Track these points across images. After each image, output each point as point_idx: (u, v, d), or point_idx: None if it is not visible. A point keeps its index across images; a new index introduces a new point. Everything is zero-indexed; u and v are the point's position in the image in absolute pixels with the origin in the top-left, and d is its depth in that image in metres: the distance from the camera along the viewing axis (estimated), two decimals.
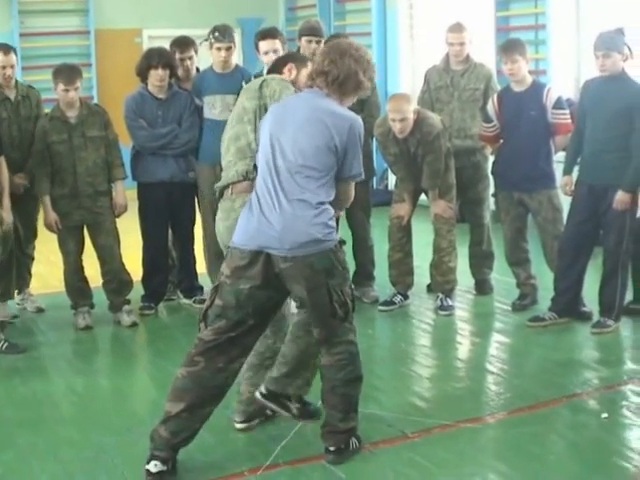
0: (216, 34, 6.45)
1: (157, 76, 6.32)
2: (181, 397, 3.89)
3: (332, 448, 4.03)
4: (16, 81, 6.34)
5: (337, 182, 3.93)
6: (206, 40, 6.56)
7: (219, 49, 6.46)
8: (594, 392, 4.87)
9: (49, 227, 6.14)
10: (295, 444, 4.20)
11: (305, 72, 4.39)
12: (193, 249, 6.79)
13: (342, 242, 3.96)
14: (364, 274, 6.73)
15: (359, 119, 3.96)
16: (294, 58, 4.78)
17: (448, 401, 4.80)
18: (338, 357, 3.96)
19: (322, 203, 3.84)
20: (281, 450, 4.12)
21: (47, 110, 6.36)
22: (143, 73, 6.39)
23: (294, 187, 3.82)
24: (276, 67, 4.73)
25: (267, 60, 6.22)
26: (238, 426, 4.40)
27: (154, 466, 3.85)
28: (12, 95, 6.25)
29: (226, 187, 4.40)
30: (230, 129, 4.47)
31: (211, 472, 4.00)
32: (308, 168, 3.83)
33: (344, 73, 3.91)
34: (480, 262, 6.84)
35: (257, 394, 4.22)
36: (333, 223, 3.88)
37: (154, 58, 6.33)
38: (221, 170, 6.30)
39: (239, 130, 4.39)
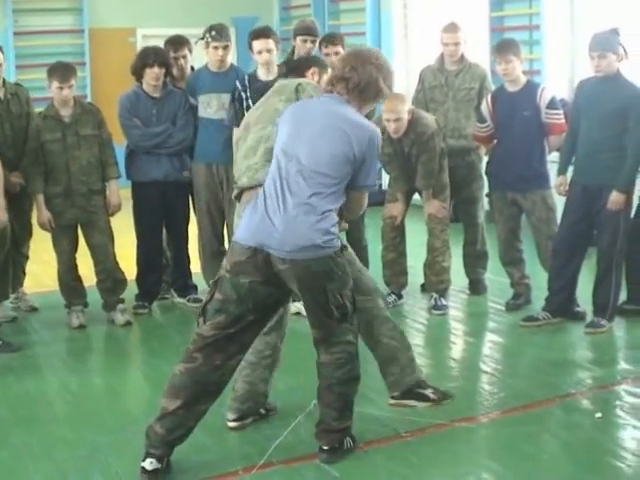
0: (213, 33, 6.43)
1: (152, 75, 6.31)
2: (178, 394, 3.88)
3: (326, 447, 4.03)
4: (4, 80, 6.30)
5: (350, 191, 3.92)
6: (202, 39, 6.55)
7: (216, 48, 6.44)
8: (588, 392, 4.88)
9: (43, 226, 6.12)
10: (289, 443, 4.20)
11: (326, 77, 4.32)
12: (187, 248, 6.78)
13: (344, 247, 3.95)
14: None
15: (377, 130, 3.97)
16: (317, 62, 4.78)
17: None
18: (337, 356, 3.96)
19: (328, 210, 3.82)
20: (275, 449, 4.12)
21: (39, 109, 6.33)
22: (138, 72, 6.39)
23: (303, 191, 3.80)
24: (299, 70, 4.69)
25: (261, 59, 6.22)
26: (230, 424, 4.38)
27: (149, 464, 3.85)
28: (1, 94, 6.21)
29: (251, 188, 4.28)
30: (260, 130, 4.34)
31: (205, 471, 3.99)
32: (321, 174, 3.81)
33: (365, 80, 3.91)
34: (474, 262, 6.85)
35: (391, 402, 4.48)
36: (335, 230, 3.85)
37: (150, 57, 6.32)
38: (218, 170, 6.37)
39: (272, 132, 4.22)
